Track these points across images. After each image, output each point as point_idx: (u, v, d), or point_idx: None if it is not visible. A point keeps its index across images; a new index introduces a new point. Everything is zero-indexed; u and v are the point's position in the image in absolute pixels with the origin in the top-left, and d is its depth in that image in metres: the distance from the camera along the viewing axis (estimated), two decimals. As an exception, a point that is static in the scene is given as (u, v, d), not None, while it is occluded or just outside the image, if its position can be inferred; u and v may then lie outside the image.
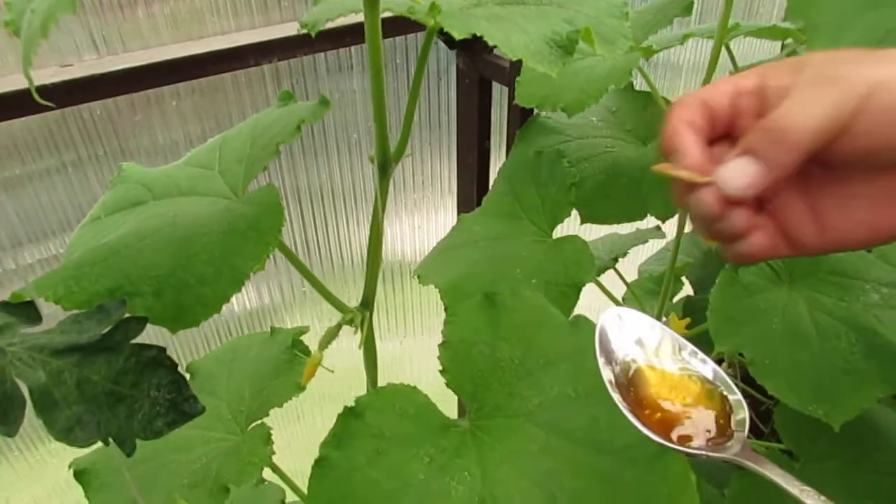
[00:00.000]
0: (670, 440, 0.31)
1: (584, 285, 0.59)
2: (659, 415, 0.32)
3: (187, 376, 0.64)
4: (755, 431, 0.90)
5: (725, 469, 0.84)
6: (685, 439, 0.31)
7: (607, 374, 0.33)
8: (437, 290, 0.65)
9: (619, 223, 0.66)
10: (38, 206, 0.81)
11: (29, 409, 0.98)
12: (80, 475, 0.55)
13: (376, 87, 0.34)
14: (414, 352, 1.44)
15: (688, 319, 0.75)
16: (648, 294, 1.13)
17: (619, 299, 0.78)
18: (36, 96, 0.27)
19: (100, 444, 0.65)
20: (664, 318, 0.83)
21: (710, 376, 0.34)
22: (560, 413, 0.38)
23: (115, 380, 0.33)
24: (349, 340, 0.48)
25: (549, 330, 0.42)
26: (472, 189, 0.96)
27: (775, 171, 0.30)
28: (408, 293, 1.37)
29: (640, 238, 0.92)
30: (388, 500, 0.35)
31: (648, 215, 0.64)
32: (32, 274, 0.85)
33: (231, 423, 0.55)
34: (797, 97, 0.30)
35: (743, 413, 0.32)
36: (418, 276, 0.70)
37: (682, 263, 1.11)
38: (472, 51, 0.85)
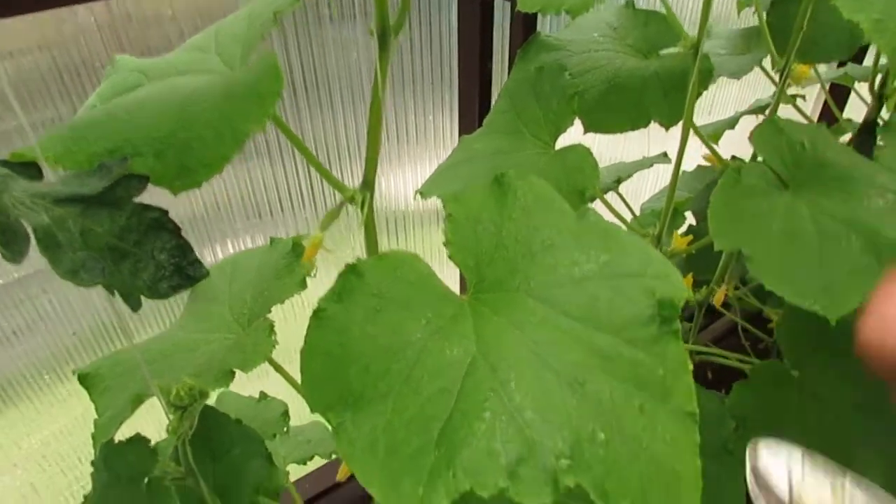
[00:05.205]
0: None
1: (587, 193, 0.59)
2: None
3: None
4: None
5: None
6: None
7: None
8: (440, 201, 0.65)
9: (621, 131, 0.65)
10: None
11: (41, 364, 0.97)
12: (85, 378, 0.56)
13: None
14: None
15: (690, 237, 0.75)
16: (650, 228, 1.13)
17: (627, 220, 0.78)
18: None
19: (104, 353, 0.65)
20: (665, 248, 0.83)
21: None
22: (560, 291, 0.38)
23: (119, 235, 0.33)
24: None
25: (556, 215, 0.42)
26: (473, 116, 0.95)
27: None
28: (410, 244, 1.37)
29: (646, 163, 0.92)
30: (384, 355, 0.35)
31: (652, 123, 0.64)
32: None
33: (233, 324, 0.56)
34: None
35: None
36: (420, 193, 0.70)
37: (683, 199, 1.11)
38: (473, -31, 0.83)
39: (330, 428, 0.35)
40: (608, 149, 1.39)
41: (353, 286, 0.37)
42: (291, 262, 0.56)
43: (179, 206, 1.00)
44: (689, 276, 0.87)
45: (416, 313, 0.37)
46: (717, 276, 0.82)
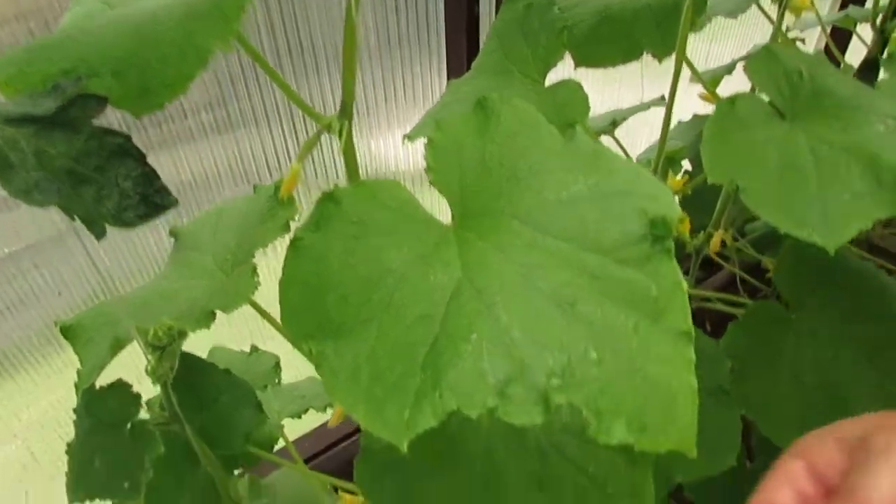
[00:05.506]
0: None
1: (578, 127, 0.57)
2: None
3: (171, 239, 0.63)
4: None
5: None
6: None
7: None
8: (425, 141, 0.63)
9: (613, 64, 0.63)
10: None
11: (36, 337, 0.96)
12: (67, 330, 0.54)
13: None
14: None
15: (686, 177, 0.73)
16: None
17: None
18: None
19: (85, 307, 0.63)
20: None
21: None
22: (548, 215, 0.36)
23: (77, 159, 0.31)
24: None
25: (542, 138, 0.40)
26: (461, 66, 0.92)
27: None
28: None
29: (643, 107, 0.90)
30: (364, 284, 0.33)
31: (644, 54, 0.61)
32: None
33: (217, 272, 0.54)
34: None
35: None
36: (408, 137, 0.68)
37: (678, 147, 1.09)
38: None
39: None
40: (602, 103, 1.37)
41: (331, 214, 0.36)
42: (274, 205, 0.54)
43: (167, 174, 0.98)
44: (687, 220, 0.86)
45: (397, 240, 0.36)
46: (715, 219, 0.81)
